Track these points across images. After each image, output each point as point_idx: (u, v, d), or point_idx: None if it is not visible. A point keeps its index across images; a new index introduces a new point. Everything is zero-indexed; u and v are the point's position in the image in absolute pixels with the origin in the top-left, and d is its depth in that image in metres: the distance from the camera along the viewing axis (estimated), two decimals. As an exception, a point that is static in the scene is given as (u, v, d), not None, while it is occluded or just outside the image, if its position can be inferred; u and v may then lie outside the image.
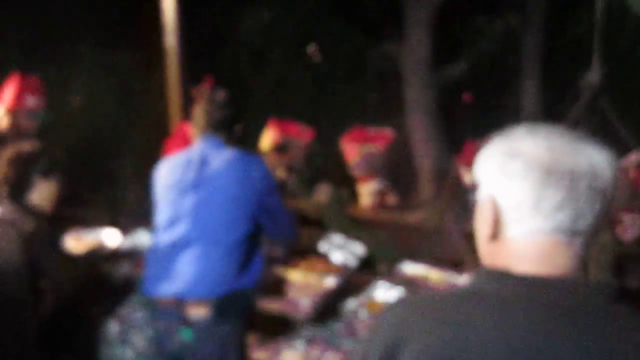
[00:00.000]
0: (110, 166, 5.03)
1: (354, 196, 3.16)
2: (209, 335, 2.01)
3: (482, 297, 0.85)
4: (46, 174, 2.14)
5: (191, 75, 3.98)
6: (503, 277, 0.86)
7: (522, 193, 0.85)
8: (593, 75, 2.49)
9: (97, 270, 2.67)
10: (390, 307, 0.93)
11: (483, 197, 0.91)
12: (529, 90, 4.57)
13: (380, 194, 3.10)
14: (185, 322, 2.01)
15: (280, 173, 3.07)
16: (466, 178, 2.76)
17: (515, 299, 0.82)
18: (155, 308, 2.05)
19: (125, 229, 3.16)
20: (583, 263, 0.89)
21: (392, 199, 3.17)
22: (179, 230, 2.06)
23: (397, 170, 4.08)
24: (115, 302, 2.49)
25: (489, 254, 0.92)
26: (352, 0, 5.34)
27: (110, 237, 2.96)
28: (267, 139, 3.14)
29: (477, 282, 0.89)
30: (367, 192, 3.07)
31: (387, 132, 3.02)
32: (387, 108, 5.08)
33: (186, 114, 3.64)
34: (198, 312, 2.02)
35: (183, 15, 3.61)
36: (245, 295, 2.14)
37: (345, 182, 3.16)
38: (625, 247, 2.42)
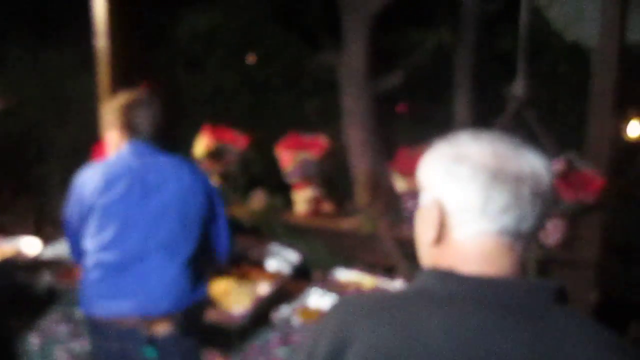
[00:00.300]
0: (36, 171, 4.81)
1: (289, 203, 3.16)
2: (173, 351, 1.93)
3: (427, 297, 0.86)
4: None
5: (125, 78, 3.87)
6: (448, 277, 0.88)
7: (469, 196, 0.87)
8: (517, 88, 2.61)
9: (14, 280, 2.53)
10: (336, 307, 0.92)
11: (428, 200, 0.93)
12: (461, 102, 4.73)
13: (316, 201, 3.11)
14: (149, 340, 1.91)
15: (214, 180, 3.03)
16: (398, 185, 2.81)
17: (460, 299, 0.84)
18: (106, 329, 1.91)
19: (50, 238, 3.03)
20: (524, 265, 0.92)
21: (328, 207, 3.19)
22: (130, 244, 1.92)
23: (333, 178, 4.11)
24: (35, 315, 2.38)
25: (433, 256, 0.93)
26: (290, 10, 5.36)
27: (30, 246, 2.83)
28: (201, 145, 3.10)
29: (422, 283, 0.90)
30: (302, 199, 3.08)
31: (322, 140, 3.04)
32: (324, 116, 5.12)
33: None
34: (163, 329, 1.93)
35: (116, 16, 3.51)
36: (202, 307, 2.08)
37: (281, 190, 3.16)
38: (548, 251, 2.53)
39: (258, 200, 3.09)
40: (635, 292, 3.89)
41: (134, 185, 1.96)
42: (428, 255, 0.94)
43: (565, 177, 2.44)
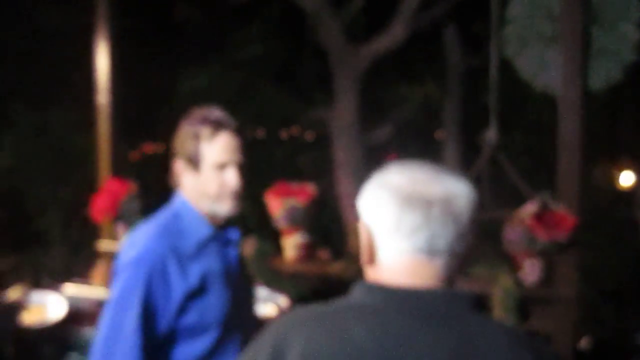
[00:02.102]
0: (37, 225, 4.93)
1: (279, 249, 3.25)
2: None
3: (356, 308, 0.95)
4: None
5: (125, 134, 4.04)
6: (374, 290, 0.97)
7: (385, 218, 0.96)
8: (490, 135, 2.74)
9: (16, 324, 2.60)
10: (274, 321, 1.01)
11: (361, 226, 1.02)
12: (449, 153, 4.88)
13: (305, 247, 3.20)
14: None
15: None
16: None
17: (384, 308, 0.93)
18: None
19: (48, 289, 3.11)
20: (452, 279, 0.99)
21: (323, 254, 3.27)
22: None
23: (327, 226, 4.21)
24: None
25: (370, 274, 1.02)
26: (285, 67, 5.61)
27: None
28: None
29: (353, 296, 0.99)
30: (291, 245, 3.17)
31: (309, 188, 3.16)
32: (317, 168, 5.27)
33: (115, 172, 3.69)
34: None
35: (118, 74, 3.71)
36: None
37: (271, 236, 3.25)
38: (528, 291, 2.60)
39: (249, 246, 3.18)
40: (627, 336, 3.90)
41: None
42: (368, 275, 1.03)
43: (540, 217, 2.54)
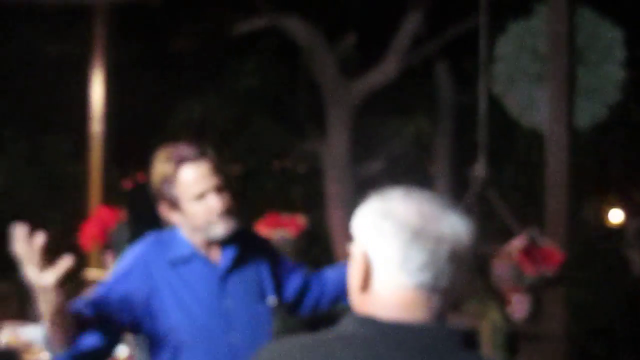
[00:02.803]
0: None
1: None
2: None
3: (345, 338, 0.94)
4: None
5: (118, 162, 4.05)
6: (366, 322, 0.95)
7: (391, 251, 0.93)
8: (478, 169, 2.77)
9: None
10: (265, 348, 1.00)
11: (357, 251, 1.00)
12: (440, 187, 4.91)
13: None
14: None
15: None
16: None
17: (374, 340, 0.92)
18: None
19: (33, 320, 3.07)
20: (444, 314, 0.99)
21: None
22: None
23: (317, 257, 4.19)
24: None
25: (359, 302, 1.02)
26: (280, 101, 5.68)
27: None
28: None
29: (344, 326, 0.98)
30: (280, 276, 3.16)
31: (299, 220, 3.18)
32: (309, 201, 5.29)
33: (106, 200, 3.69)
34: None
35: (112, 103, 3.74)
36: None
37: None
38: (516, 326, 2.60)
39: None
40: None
41: None
42: (356, 300, 1.02)
43: (528, 252, 2.55)
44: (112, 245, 3.29)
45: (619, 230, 6.47)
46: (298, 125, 5.45)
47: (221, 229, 1.60)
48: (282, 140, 5.60)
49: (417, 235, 0.92)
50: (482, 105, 2.77)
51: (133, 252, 1.67)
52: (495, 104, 2.92)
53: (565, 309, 2.56)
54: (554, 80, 2.48)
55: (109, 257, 3.31)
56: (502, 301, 2.64)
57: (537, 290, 2.60)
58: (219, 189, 1.60)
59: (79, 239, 3.40)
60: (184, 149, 1.61)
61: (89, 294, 1.59)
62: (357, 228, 1.00)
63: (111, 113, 3.79)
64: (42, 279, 1.30)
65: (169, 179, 1.59)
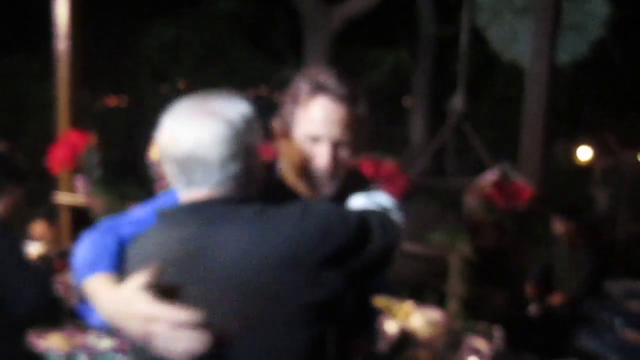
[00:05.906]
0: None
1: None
2: None
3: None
4: None
5: (88, 85, 3.91)
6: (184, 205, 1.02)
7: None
8: (456, 102, 2.75)
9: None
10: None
11: None
12: (416, 120, 4.90)
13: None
14: None
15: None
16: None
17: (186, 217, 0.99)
18: None
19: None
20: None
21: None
22: None
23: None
24: None
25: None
26: (256, 26, 5.50)
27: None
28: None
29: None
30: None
31: (273, 148, 3.14)
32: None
33: (75, 122, 3.58)
34: None
35: (78, 21, 3.56)
36: None
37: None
38: (485, 260, 2.65)
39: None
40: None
41: None
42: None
43: (499, 186, 2.58)
44: (82, 169, 3.22)
45: (587, 169, 6.60)
46: (275, 52, 5.31)
47: (303, 188, 1.14)
48: (259, 68, 5.47)
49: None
50: (464, 37, 2.71)
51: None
52: (476, 38, 2.87)
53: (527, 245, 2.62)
54: (539, 14, 2.42)
55: (79, 182, 3.25)
56: (473, 234, 2.68)
57: (506, 226, 2.65)
58: (338, 145, 1.15)
59: (48, 163, 3.31)
60: (333, 82, 1.14)
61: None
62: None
63: (78, 32, 3.60)
64: None
65: (298, 99, 1.14)
